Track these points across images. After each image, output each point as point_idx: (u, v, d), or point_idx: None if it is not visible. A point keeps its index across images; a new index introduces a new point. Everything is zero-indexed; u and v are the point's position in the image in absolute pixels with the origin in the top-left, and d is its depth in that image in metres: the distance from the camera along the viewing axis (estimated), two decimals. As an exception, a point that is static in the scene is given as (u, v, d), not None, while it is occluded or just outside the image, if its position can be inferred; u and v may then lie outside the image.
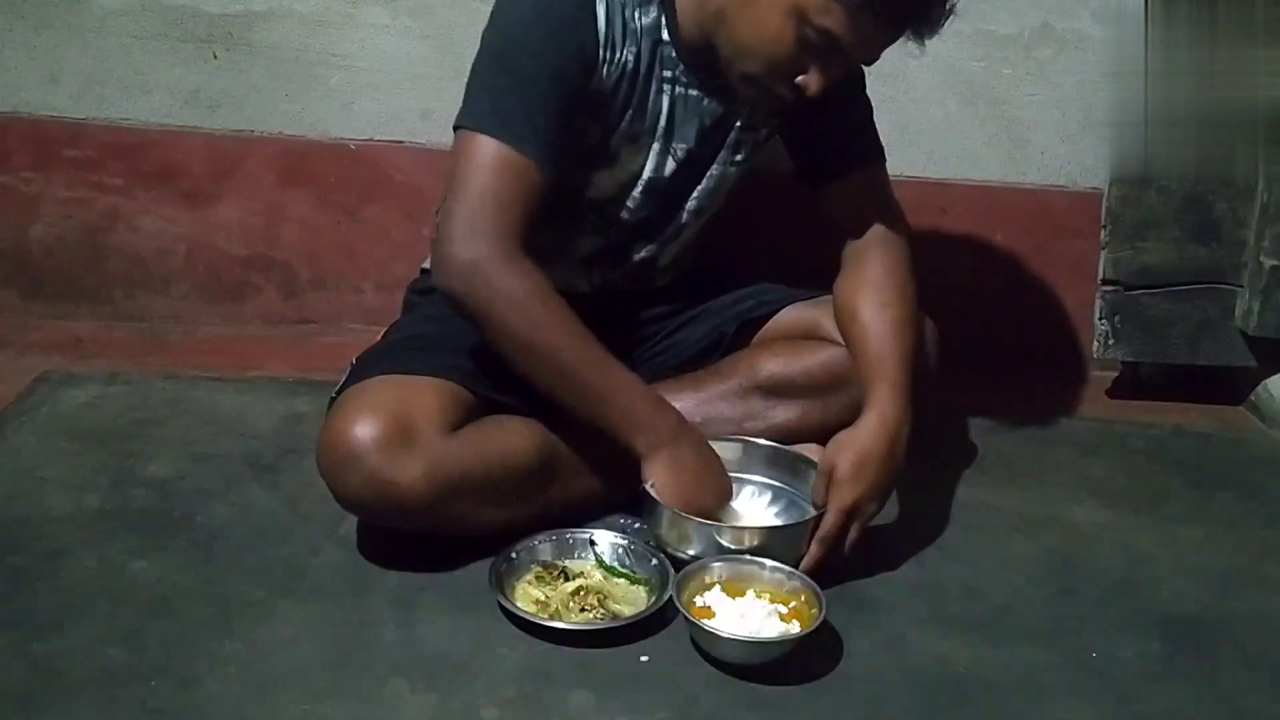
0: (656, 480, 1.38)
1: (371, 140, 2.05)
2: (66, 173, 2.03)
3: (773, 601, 1.32)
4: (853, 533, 1.40)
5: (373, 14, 1.99)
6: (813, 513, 1.44)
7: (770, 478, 1.53)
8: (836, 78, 1.37)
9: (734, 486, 1.47)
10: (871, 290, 1.53)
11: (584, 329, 1.36)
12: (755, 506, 1.52)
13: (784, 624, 1.29)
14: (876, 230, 1.57)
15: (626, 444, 1.39)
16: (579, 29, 1.37)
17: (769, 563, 1.36)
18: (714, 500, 1.43)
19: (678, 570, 1.36)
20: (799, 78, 1.36)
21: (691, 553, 1.39)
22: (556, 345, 1.35)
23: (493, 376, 1.43)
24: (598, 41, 1.38)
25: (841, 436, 1.43)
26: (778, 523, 1.48)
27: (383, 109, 2.03)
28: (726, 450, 1.50)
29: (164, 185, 2.04)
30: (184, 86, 2.01)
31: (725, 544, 1.38)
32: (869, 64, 1.43)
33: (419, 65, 2.00)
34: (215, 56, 2.00)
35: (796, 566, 1.37)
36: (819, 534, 1.39)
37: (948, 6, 1.33)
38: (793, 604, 1.33)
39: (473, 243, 1.33)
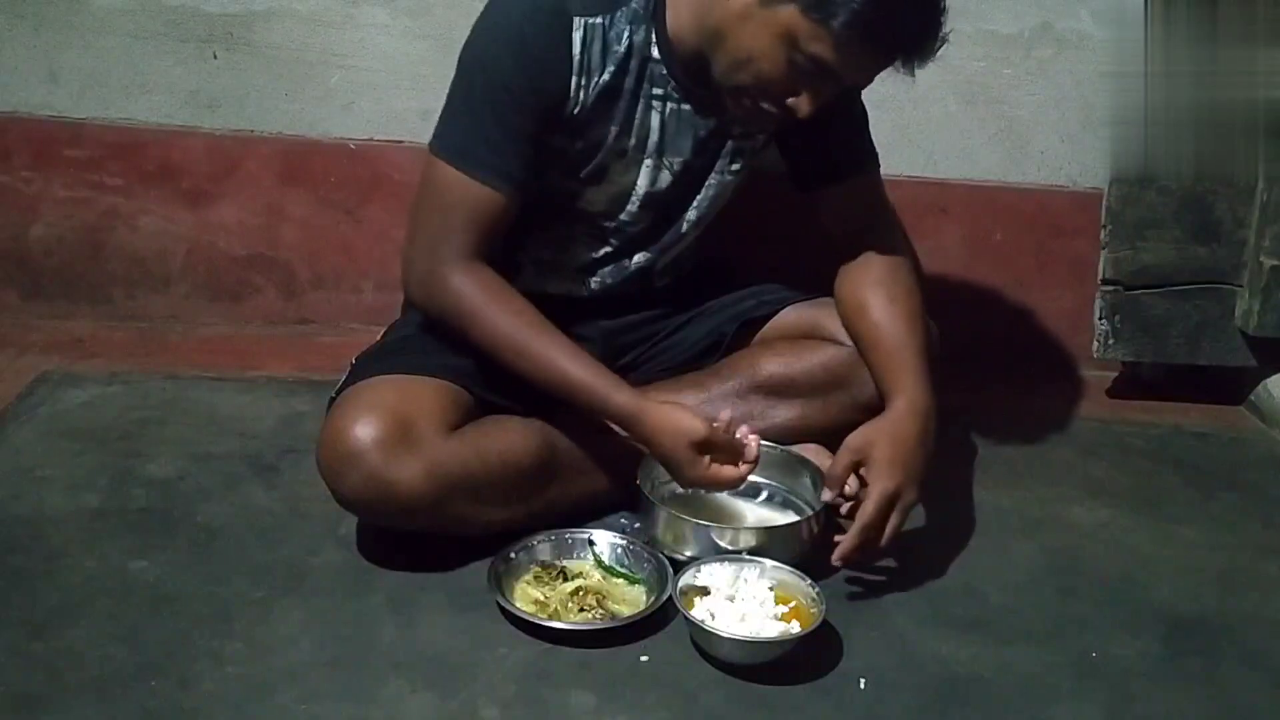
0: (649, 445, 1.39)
1: (371, 140, 2.05)
2: (66, 173, 2.02)
3: (773, 602, 1.32)
4: (893, 521, 1.38)
5: (373, 14, 1.99)
6: (810, 512, 1.44)
7: (769, 478, 1.53)
8: (828, 98, 1.37)
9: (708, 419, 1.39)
10: (878, 288, 1.53)
11: (542, 322, 1.40)
12: (753, 506, 1.52)
13: (784, 624, 1.29)
14: (875, 234, 1.57)
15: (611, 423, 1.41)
16: (549, 59, 1.38)
17: (769, 563, 1.36)
18: (686, 449, 1.36)
19: (677, 570, 1.36)
20: (789, 99, 1.35)
21: (689, 554, 1.39)
22: (514, 340, 1.39)
23: (492, 377, 1.43)
24: (570, 70, 1.39)
25: (873, 425, 1.42)
26: (775, 522, 1.48)
27: (383, 109, 2.03)
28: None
29: (164, 185, 2.04)
30: (184, 86, 2.01)
31: (723, 544, 1.38)
32: (861, 87, 1.43)
33: (419, 65, 2.00)
34: (215, 56, 2.00)
35: (795, 566, 1.36)
36: (860, 521, 1.36)
37: (939, 37, 1.33)
38: (793, 604, 1.33)
39: (429, 257, 1.40)
